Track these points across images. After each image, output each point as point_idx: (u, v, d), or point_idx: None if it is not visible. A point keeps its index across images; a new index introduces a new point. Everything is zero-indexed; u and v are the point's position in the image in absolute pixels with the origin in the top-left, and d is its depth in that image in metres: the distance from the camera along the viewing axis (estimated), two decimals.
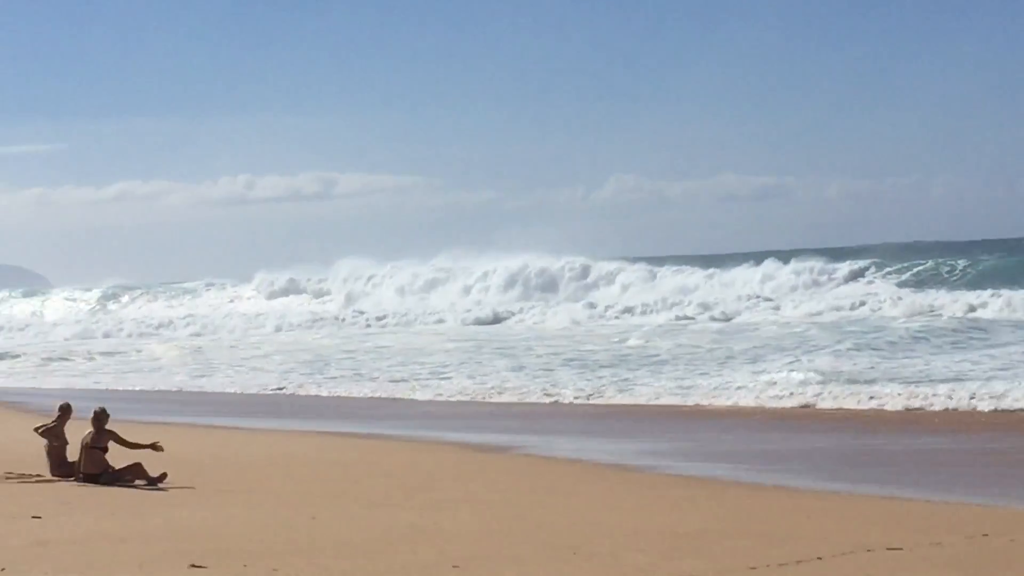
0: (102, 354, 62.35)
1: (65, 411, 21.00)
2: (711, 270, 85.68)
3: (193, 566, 12.79)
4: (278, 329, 79.95)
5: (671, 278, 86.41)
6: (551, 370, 43.62)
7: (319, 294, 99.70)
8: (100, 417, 20.33)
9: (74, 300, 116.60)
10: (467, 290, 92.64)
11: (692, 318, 68.91)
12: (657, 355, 48.02)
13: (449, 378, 42.31)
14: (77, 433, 20.38)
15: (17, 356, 62.55)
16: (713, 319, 67.85)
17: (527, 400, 35.78)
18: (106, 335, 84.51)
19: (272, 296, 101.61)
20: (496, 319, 77.32)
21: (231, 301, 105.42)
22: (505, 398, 36.61)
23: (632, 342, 54.45)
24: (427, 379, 42.58)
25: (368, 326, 79.50)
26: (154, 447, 20.46)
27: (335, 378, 44.74)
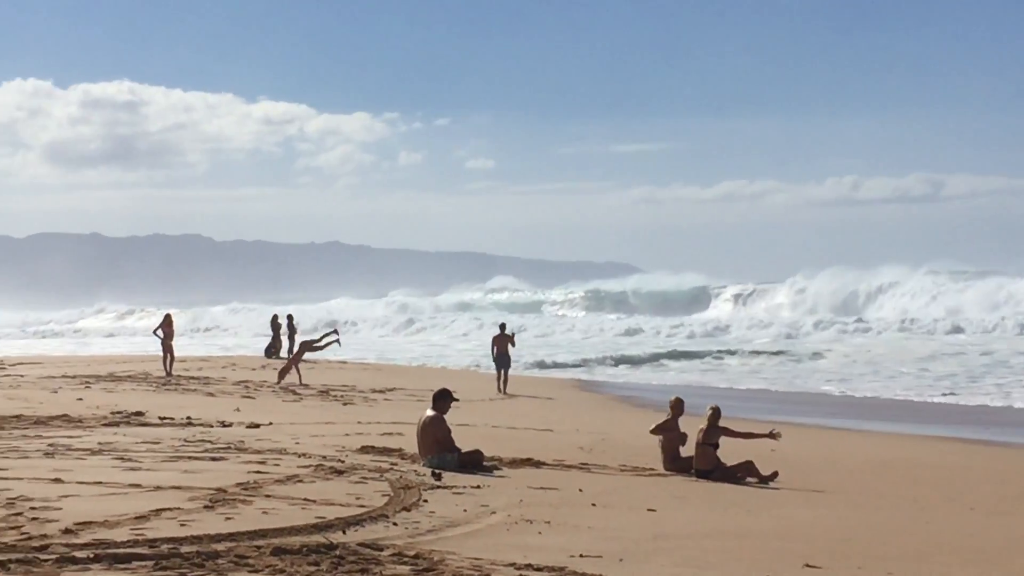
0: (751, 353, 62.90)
1: (676, 407, 21.43)
2: None
3: (808, 566, 12.80)
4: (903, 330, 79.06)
5: None
6: None
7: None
8: (713, 414, 20.78)
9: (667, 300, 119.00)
10: None
11: None
12: None
13: None
14: (692, 429, 20.83)
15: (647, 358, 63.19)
16: None
17: None
18: (708, 334, 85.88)
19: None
20: None
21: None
22: None
23: None
24: None
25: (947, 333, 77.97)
26: (771, 435, 20.80)
27: (975, 383, 43.83)
